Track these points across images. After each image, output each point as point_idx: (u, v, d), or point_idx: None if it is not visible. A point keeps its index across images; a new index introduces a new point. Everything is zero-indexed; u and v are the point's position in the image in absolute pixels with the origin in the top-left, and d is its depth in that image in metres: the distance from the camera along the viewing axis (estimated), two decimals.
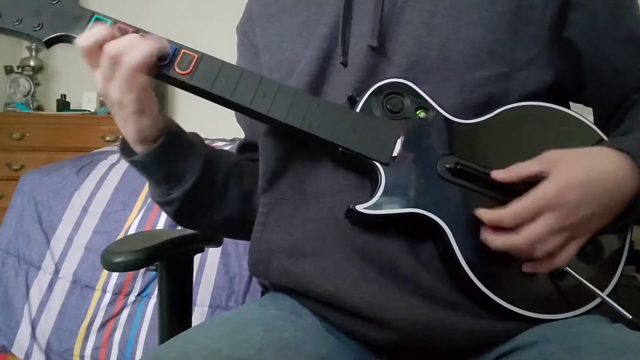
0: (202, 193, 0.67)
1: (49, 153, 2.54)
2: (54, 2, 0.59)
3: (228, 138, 2.20)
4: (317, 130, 0.56)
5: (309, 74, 0.62)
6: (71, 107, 2.90)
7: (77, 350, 1.48)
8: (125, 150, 0.63)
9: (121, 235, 1.58)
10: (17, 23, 0.58)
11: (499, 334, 0.56)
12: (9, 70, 2.73)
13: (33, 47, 2.64)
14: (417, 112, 0.58)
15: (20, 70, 2.76)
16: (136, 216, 1.59)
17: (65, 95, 2.90)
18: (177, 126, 0.64)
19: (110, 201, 1.66)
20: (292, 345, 0.53)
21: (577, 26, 0.61)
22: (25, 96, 2.78)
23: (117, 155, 1.82)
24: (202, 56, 0.58)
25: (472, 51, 0.59)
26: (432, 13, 0.60)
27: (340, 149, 0.57)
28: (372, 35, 0.60)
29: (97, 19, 0.58)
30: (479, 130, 0.58)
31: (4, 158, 2.55)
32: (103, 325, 1.49)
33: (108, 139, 2.59)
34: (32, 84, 2.78)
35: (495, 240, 0.52)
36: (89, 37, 0.56)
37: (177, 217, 0.69)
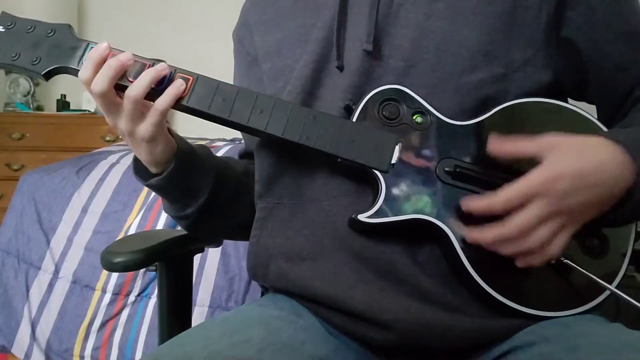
0: (214, 206, 0.67)
1: (49, 153, 2.54)
2: (50, 34, 0.59)
3: (228, 138, 2.20)
4: (316, 143, 0.57)
5: (304, 77, 0.62)
6: (71, 107, 2.90)
7: (77, 350, 1.48)
8: (139, 171, 0.63)
9: (121, 236, 1.57)
10: (16, 58, 0.59)
11: (497, 333, 0.56)
12: (9, 70, 2.73)
13: None
14: (414, 117, 0.58)
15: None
16: (136, 216, 1.59)
17: (65, 95, 2.90)
18: (186, 143, 0.64)
19: (110, 201, 1.65)
20: (292, 345, 0.53)
21: (575, 24, 0.61)
22: (25, 96, 2.78)
23: (117, 156, 1.82)
24: (198, 77, 0.58)
25: (468, 54, 0.59)
26: (427, 16, 0.60)
27: (339, 159, 0.57)
28: (367, 40, 0.60)
29: (92, 49, 0.58)
30: (476, 131, 0.58)
31: (4, 158, 2.54)
32: (103, 325, 1.49)
33: (108, 139, 2.59)
34: (32, 84, 2.78)
35: (486, 236, 0.52)
36: (85, 70, 0.56)
37: (191, 228, 0.70)
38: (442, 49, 0.59)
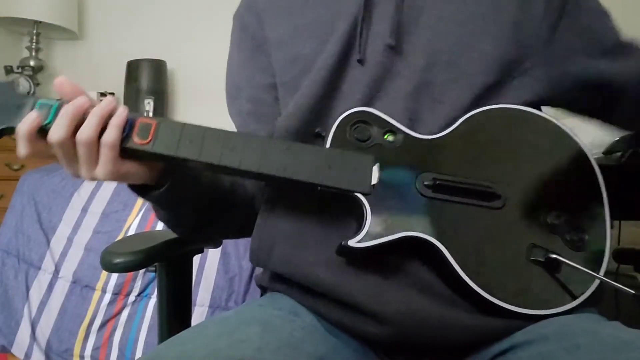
0: (209, 216, 0.68)
1: None
2: None
3: None
4: (293, 173, 0.55)
5: (328, 68, 0.62)
6: None
7: (77, 350, 1.48)
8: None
9: (121, 236, 1.58)
10: None
11: (497, 330, 0.56)
12: (9, 70, 2.73)
13: (33, 47, 2.64)
14: (385, 137, 0.58)
15: (20, 70, 2.75)
16: (136, 216, 1.59)
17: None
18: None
19: (110, 201, 1.66)
20: (291, 344, 0.53)
21: (575, 40, 0.64)
22: None
23: None
24: (160, 122, 0.54)
25: (478, 57, 0.60)
26: (443, 19, 0.62)
27: (319, 187, 0.55)
28: (391, 35, 0.61)
29: (41, 105, 0.53)
30: (448, 143, 0.59)
31: (4, 158, 2.54)
32: (103, 325, 1.49)
33: None
34: (32, 84, 2.78)
35: None
36: (61, 128, 0.51)
37: (185, 236, 0.72)
38: (455, 51, 0.61)
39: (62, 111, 0.51)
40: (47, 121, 0.52)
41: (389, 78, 0.61)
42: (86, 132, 0.51)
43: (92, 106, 0.52)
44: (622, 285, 0.57)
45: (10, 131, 0.54)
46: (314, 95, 0.63)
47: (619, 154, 1.16)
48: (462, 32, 0.61)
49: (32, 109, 0.53)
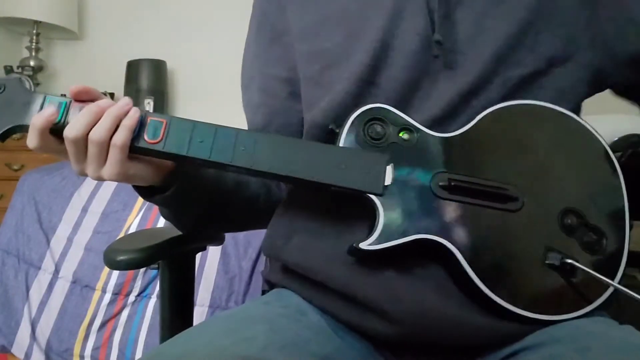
0: (213, 216, 0.68)
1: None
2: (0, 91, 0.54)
3: None
4: (305, 173, 0.54)
5: (364, 65, 0.61)
6: None
7: (77, 350, 1.48)
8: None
9: (121, 236, 1.57)
10: None
11: (510, 334, 0.55)
12: (8, 70, 2.72)
13: (33, 47, 2.64)
14: (400, 134, 0.56)
15: (20, 70, 2.75)
16: (136, 216, 1.59)
17: (65, 95, 2.88)
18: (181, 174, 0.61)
19: (110, 201, 1.66)
20: (296, 343, 0.52)
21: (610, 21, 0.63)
22: None
23: None
24: (171, 120, 0.53)
25: (522, 52, 0.60)
26: (484, 14, 0.61)
27: (332, 187, 0.54)
28: (429, 30, 0.60)
29: (50, 102, 0.53)
30: (463, 141, 0.57)
31: (4, 158, 2.54)
32: (103, 325, 1.49)
33: None
34: (32, 84, 2.77)
35: None
36: (81, 125, 0.51)
37: (188, 233, 0.72)
38: (497, 47, 0.60)
39: (86, 109, 0.52)
40: (57, 118, 0.52)
41: (427, 75, 0.60)
42: (99, 131, 0.51)
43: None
44: (624, 286, 0.57)
45: (19, 129, 0.54)
46: (350, 92, 0.61)
47: (619, 154, 1.16)
48: (504, 28, 0.60)
49: (41, 105, 0.53)
